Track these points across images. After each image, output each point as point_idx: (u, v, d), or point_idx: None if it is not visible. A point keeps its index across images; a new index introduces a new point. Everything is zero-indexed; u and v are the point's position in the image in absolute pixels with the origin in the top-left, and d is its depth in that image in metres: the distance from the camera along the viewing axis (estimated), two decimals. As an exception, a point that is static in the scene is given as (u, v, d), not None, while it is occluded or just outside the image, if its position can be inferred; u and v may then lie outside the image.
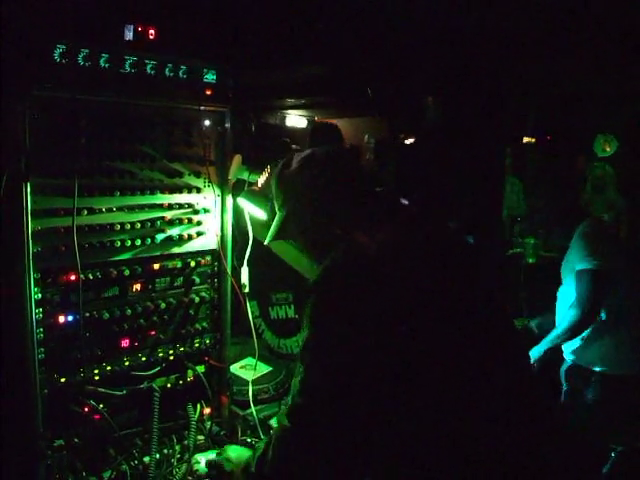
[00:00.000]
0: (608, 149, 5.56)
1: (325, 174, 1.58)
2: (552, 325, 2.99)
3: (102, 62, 1.88)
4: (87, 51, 1.83)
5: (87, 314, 1.95)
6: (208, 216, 2.25)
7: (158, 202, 2.10)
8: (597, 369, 2.82)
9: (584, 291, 2.76)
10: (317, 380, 1.34)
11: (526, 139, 5.83)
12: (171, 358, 2.20)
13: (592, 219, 3.01)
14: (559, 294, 3.05)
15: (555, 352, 3.01)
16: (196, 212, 2.21)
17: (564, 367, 3.03)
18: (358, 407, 1.30)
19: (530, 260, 4.50)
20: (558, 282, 3.07)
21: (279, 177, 1.69)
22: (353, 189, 1.57)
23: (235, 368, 2.59)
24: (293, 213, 1.64)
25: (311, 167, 1.61)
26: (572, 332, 2.82)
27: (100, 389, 1.99)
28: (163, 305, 2.14)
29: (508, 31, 3.73)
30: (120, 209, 2.01)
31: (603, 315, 2.80)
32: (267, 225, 2.15)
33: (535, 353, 2.96)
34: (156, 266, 2.13)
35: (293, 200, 1.63)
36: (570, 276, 2.90)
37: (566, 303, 2.92)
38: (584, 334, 2.83)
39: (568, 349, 2.97)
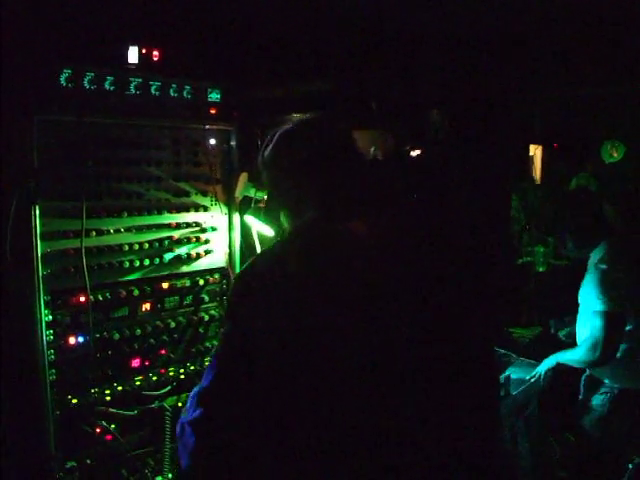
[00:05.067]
0: (615, 155, 5.54)
1: (292, 153, 1.45)
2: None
3: (107, 85, 1.91)
4: (92, 74, 1.87)
5: (97, 335, 1.96)
6: (216, 234, 2.26)
7: (166, 222, 2.12)
8: (607, 381, 2.78)
9: (598, 333, 2.60)
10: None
11: (533, 147, 5.82)
12: (182, 377, 2.20)
13: (612, 242, 2.75)
14: (579, 315, 2.97)
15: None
16: (204, 231, 2.22)
17: (583, 376, 3.00)
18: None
19: (540, 269, 4.46)
20: (569, 290, 3.02)
21: (260, 155, 1.59)
22: (322, 172, 1.43)
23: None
24: (272, 190, 1.56)
25: (279, 146, 1.49)
26: (586, 366, 2.77)
27: (111, 409, 2.00)
28: (173, 324, 2.14)
29: (511, 39, 3.74)
30: (128, 230, 2.02)
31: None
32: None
33: (548, 363, 2.94)
34: (165, 285, 2.15)
35: (269, 178, 1.52)
36: (584, 303, 2.82)
37: (583, 324, 2.87)
38: None
39: None
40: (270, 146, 1.51)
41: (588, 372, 2.94)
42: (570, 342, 3.02)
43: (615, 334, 2.63)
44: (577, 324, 2.97)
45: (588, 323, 2.71)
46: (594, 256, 2.77)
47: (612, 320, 2.61)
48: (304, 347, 1.20)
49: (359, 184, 1.45)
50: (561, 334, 3.27)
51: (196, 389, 1.27)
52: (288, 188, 1.45)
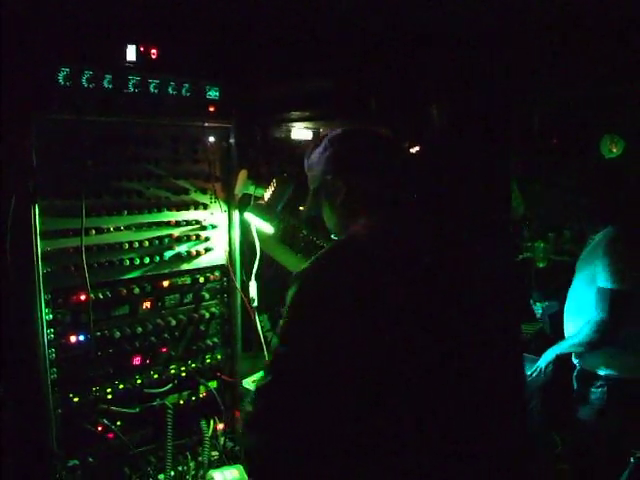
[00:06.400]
0: (615, 150, 5.52)
1: (341, 155, 1.55)
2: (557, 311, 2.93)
3: (106, 83, 1.91)
4: (91, 73, 1.87)
5: (98, 333, 1.96)
6: (216, 232, 2.26)
7: (165, 220, 2.12)
8: (602, 372, 2.78)
9: (605, 312, 2.64)
10: (291, 365, 1.33)
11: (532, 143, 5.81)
12: (183, 374, 2.21)
13: (625, 224, 2.79)
14: (570, 290, 2.97)
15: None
16: (204, 228, 2.22)
17: (575, 372, 3.00)
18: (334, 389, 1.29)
19: (540, 264, 4.46)
20: (569, 285, 3.02)
21: (307, 156, 1.66)
22: (372, 175, 1.53)
23: (247, 382, 2.59)
24: (318, 191, 1.61)
25: (333, 147, 1.57)
26: (587, 349, 2.77)
27: (113, 408, 2.00)
28: (173, 322, 2.14)
29: (510, 35, 3.74)
30: (128, 228, 2.02)
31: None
32: (274, 238, 2.17)
33: (547, 356, 2.94)
34: (165, 283, 2.14)
35: (317, 180, 1.60)
36: (585, 274, 2.82)
37: (576, 301, 2.87)
38: None
39: (574, 354, 2.93)
40: (322, 149, 1.58)
41: (579, 367, 2.94)
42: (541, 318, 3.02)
43: (622, 313, 2.65)
44: (569, 297, 2.95)
45: (590, 303, 2.71)
46: (608, 234, 2.77)
47: (620, 299, 2.63)
48: (371, 353, 1.28)
49: (409, 187, 1.57)
50: (539, 305, 3.27)
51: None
52: (339, 189, 1.52)
